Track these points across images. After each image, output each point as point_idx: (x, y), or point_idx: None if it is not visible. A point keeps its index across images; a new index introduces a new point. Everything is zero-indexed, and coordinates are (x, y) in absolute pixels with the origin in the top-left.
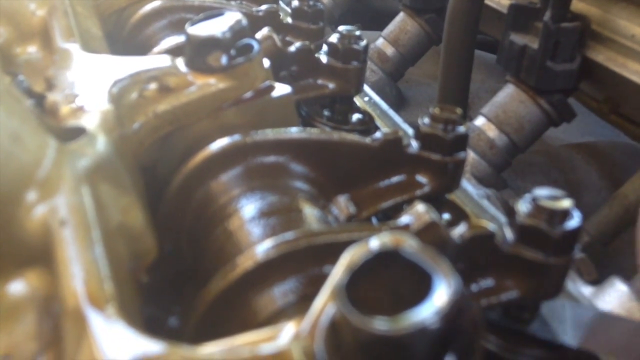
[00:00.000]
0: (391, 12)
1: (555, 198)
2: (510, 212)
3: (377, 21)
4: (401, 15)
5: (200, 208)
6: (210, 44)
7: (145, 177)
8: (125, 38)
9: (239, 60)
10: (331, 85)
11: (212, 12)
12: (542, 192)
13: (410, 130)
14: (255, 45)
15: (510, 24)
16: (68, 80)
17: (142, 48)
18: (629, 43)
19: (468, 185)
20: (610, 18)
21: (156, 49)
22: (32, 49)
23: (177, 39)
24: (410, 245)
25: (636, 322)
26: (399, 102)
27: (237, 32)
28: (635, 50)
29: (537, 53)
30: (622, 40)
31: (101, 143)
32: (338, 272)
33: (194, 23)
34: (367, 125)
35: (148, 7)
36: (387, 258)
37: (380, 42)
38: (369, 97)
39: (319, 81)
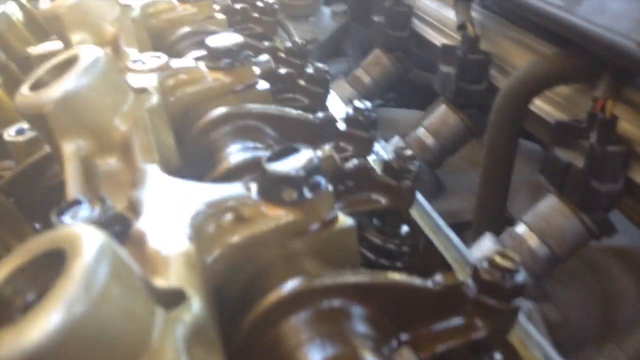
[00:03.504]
0: (425, 85)
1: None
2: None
3: (411, 93)
4: (443, 108)
5: (268, 353)
6: (286, 180)
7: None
8: (192, 139)
9: (309, 196)
10: (384, 201)
11: (288, 147)
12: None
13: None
14: (323, 183)
15: (555, 140)
16: (151, 207)
17: (207, 150)
18: None
19: None
20: None
21: (225, 165)
22: (111, 161)
23: (244, 155)
24: None
25: None
26: (436, 190)
27: (310, 170)
28: None
29: (582, 172)
30: None
31: (196, 305)
32: None
33: (270, 158)
34: (416, 240)
35: (215, 113)
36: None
37: (421, 131)
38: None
39: (373, 196)
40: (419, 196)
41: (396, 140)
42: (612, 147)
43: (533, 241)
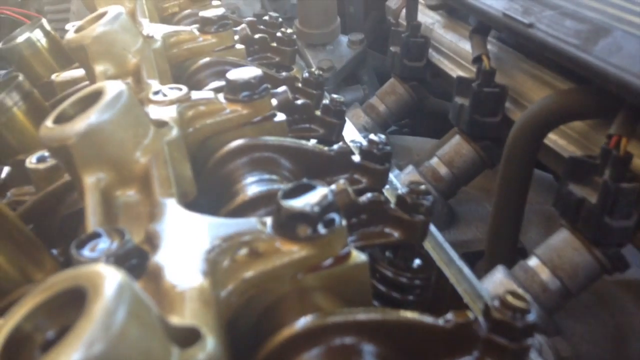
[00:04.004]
0: (441, 112)
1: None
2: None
3: (426, 120)
4: (457, 139)
5: None
6: (300, 217)
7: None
8: (210, 170)
9: (323, 232)
10: (396, 234)
11: (303, 184)
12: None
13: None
14: (338, 219)
15: (569, 175)
16: (168, 241)
17: (224, 182)
18: None
19: None
20: None
21: (241, 197)
22: (131, 193)
23: (259, 187)
24: None
25: None
26: (449, 220)
27: (325, 207)
28: None
29: (595, 208)
30: None
31: (210, 344)
32: None
33: (285, 194)
34: (428, 273)
35: (232, 145)
36: None
37: (434, 161)
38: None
39: (386, 229)
40: (432, 228)
41: (410, 169)
42: (626, 184)
43: (545, 275)
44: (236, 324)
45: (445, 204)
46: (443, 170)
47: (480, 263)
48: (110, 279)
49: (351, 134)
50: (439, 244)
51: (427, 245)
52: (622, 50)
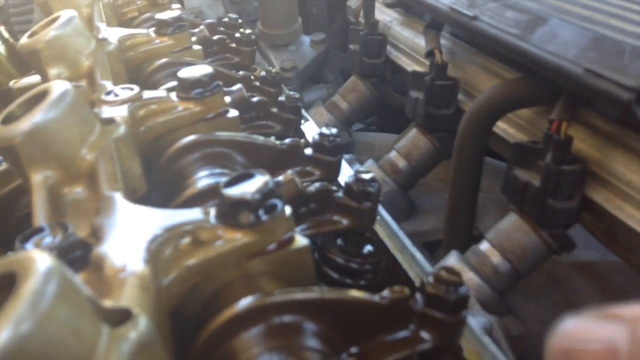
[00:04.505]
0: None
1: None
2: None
3: (392, 117)
4: (414, 132)
5: None
6: (242, 204)
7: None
8: (162, 166)
9: (264, 218)
10: (345, 222)
11: (244, 173)
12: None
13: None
14: (279, 205)
15: (514, 160)
16: (112, 233)
17: (176, 177)
18: (625, 188)
19: (471, 319)
20: (607, 162)
21: (190, 191)
22: (78, 190)
23: (208, 180)
24: None
25: None
26: (409, 211)
27: (265, 194)
28: (631, 196)
29: (539, 191)
30: (619, 184)
31: (143, 323)
32: None
33: (227, 183)
34: (377, 257)
35: (184, 141)
36: None
37: (392, 154)
38: (380, 216)
39: (335, 217)
40: (387, 216)
41: (369, 163)
42: (567, 166)
43: (495, 257)
44: (183, 310)
45: (405, 196)
46: (401, 162)
47: (439, 251)
48: (40, 262)
49: (313, 130)
50: (393, 233)
51: (382, 233)
52: (557, 37)
